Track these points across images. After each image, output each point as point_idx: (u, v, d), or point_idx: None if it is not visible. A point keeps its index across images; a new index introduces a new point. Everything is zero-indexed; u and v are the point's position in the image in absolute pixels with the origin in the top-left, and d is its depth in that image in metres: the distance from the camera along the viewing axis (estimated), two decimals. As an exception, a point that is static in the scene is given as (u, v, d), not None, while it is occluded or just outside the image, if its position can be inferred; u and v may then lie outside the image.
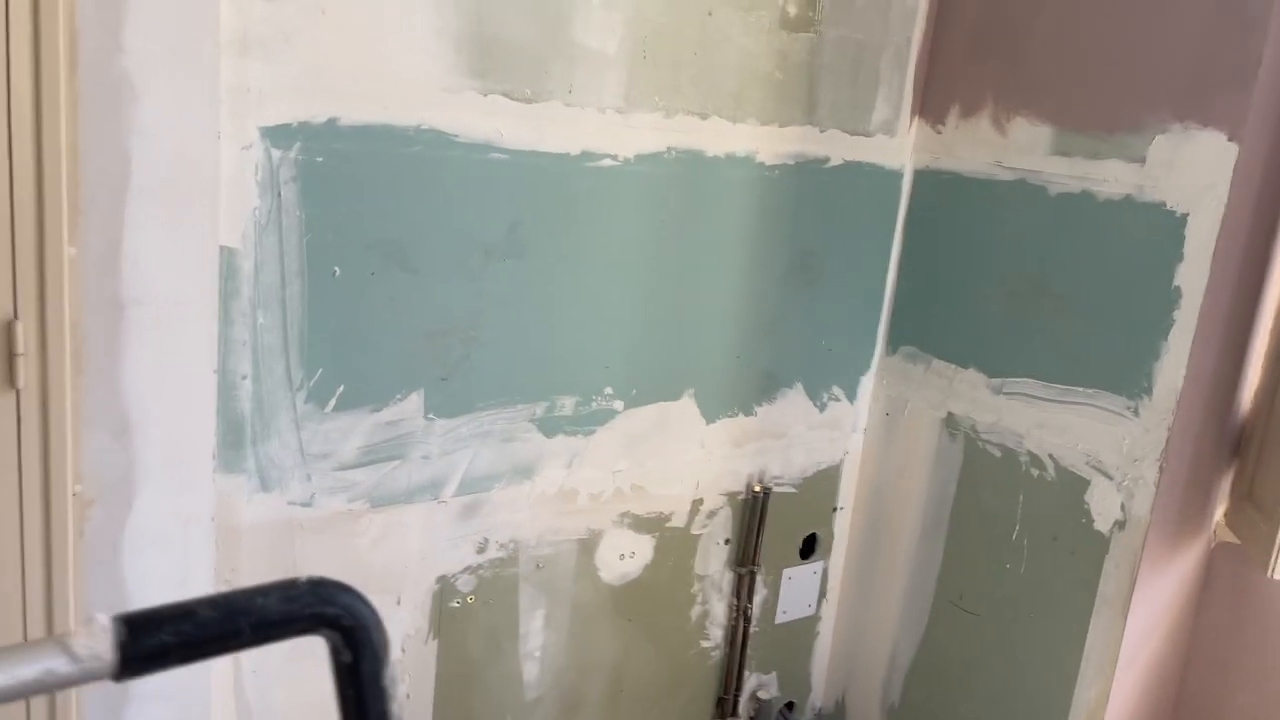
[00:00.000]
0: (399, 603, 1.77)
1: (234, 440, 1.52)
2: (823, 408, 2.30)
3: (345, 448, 1.64)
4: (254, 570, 1.59)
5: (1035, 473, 2.06)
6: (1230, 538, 1.99)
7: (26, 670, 0.49)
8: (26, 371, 1.25)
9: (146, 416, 1.35)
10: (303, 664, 1.68)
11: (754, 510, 2.23)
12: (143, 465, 1.37)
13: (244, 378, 1.51)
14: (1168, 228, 1.81)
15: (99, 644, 0.51)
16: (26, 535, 1.31)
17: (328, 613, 0.58)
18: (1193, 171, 1.77)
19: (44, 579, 1.33)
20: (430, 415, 1.71)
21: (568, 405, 1.88)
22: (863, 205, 2.21)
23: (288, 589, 0.58)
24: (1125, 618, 1.91)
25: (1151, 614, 1.96)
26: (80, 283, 1.27)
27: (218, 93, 1.33)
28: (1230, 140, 1.72)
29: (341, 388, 1.61)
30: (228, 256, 1.45)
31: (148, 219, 1.30)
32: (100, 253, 1.28)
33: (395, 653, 1.78)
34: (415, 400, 1.69)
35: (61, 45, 1.20)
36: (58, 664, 0.49)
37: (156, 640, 0.52)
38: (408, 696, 1.82)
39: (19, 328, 1.23)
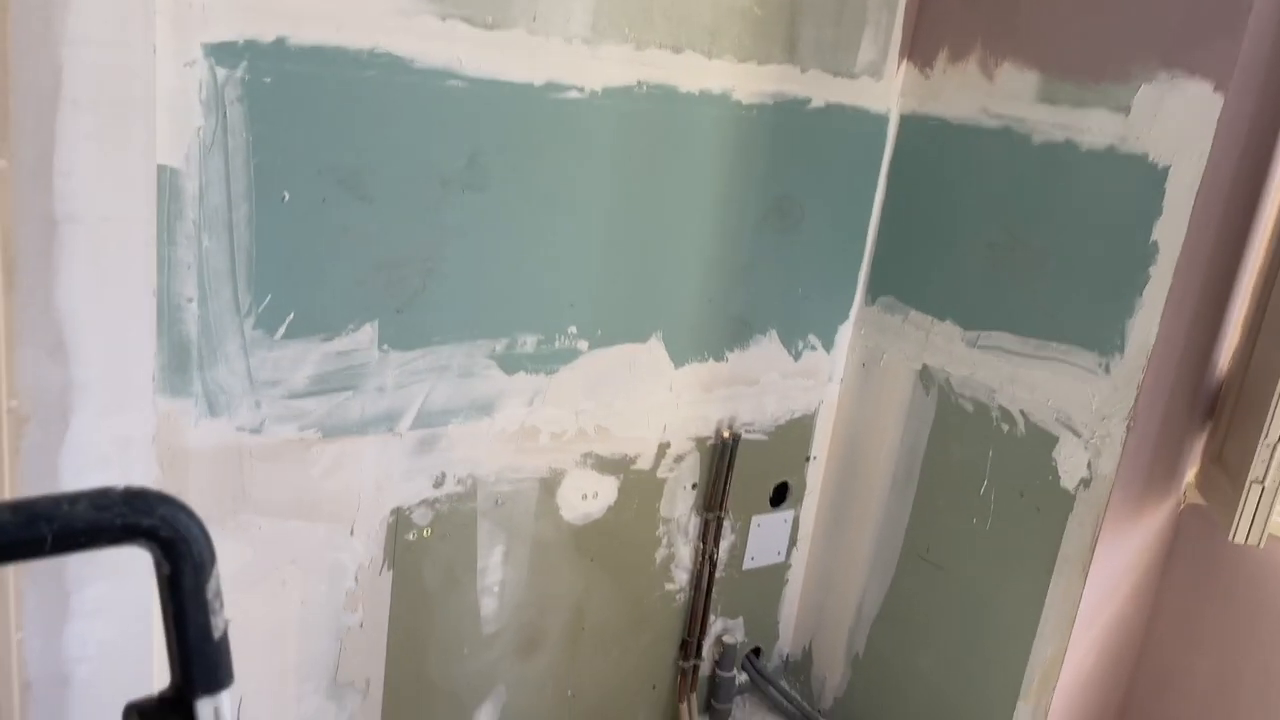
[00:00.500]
0: (352, 533, 1.77)
1: (179, 363, 1.51)
2: (798, 356, 2.27)
3: (296, 376, 1.63)
4: (200, 493, 1.59)
5: (1006, 428, 2.03)
6: (1199, 500, 1.96)
7: None
8: (-44, 284, 1.24)
9: (82, 335, 1.35)
10: (251, 590, 1.69)
11: (723, 456, 2.21)
12: (79, 384, 1.36)
13: (189, 300, 1.50)
14: (1148, 180, 1.76)
15: (-120, 542, 0.50)
16: (-40, 449, 1.31)
17: (144, 524, 0.57)
18: (1176, 123, 1.71)
19: (-21, 493, 1.33)
20: (385, 347, 1.70)
21: (529, 343, 1.86)
22: (845, 149, 2.15)
23: (100, 497, 0.57)
24: (1085, 577, 1.89)
25: (1113, 574, 1.94)
26: (10, 195, 1.26)
27: (152, 4, 1.29)
28: (1216, 91, 1.66)
29: (292, 315, 1.59)
30: (170, 176, 1.42)
31: (81, 133, 1.28)
32: (32, 166, 1.26)
33: (348, 582, 1.79)
34: (369, 331, 1.67)
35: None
36: None
37: (-55, 542, 0.51)
38: (361, 625, 1.83)
39: (-53, 240, 1.22)
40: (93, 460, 1.40)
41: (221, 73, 1.43)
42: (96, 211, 1.31)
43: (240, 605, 1.69)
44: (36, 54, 1.23)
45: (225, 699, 0.61)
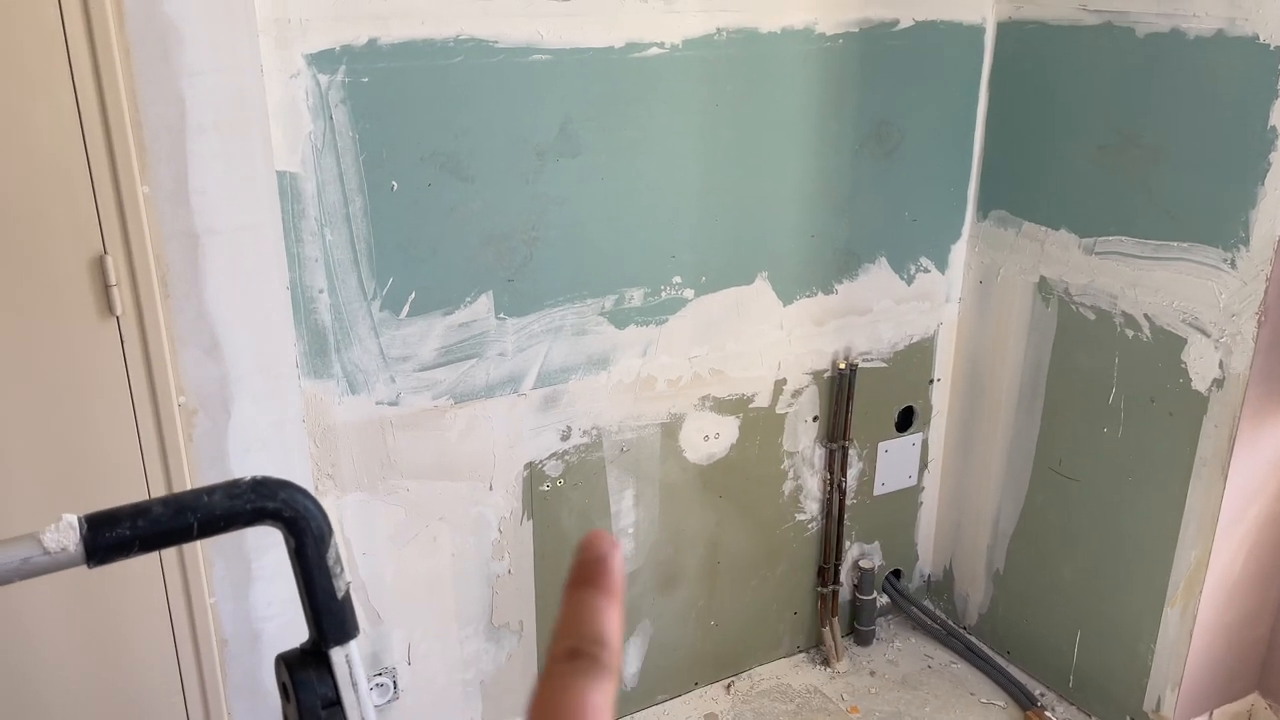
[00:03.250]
0: (491, 488, 1.91)
1: (319, 349, 1.67)
2: (910, 280, 2.26)
3: (423, 350, 1.76)
4: (352, 464, 1.75)
5: (1130, 334, 1.98)
6: (1345, 392, 1.87)
7: (7, 559, 0.60)
8: (122, 299, 1.41)
9: (232, 332, 1.51)
10: (406, 546, 1.85)
11: (842, 387, 2.24)
12: (235, 376, 1.53)
13: (320, 291, 1.64)
14: (1262, 62, 1.67)
15: (66, 538, 0.62)
16: (144, 444, 1.50)
17: (268, 506, 0.68)
18: (1288, -3, 1.61)
19: (164, 483, 1.52)
20: (501, 315, 1.81)
21: (636, 297, 1.94)
22: (941, 67, 2.11)
23: (232, 488, 0.68)
24: (1225, 478, 1.85)
25: (1255, 473, 1.88)
26: (156, 217, 1.41)
27: (255, 28, 1.41)
28: (1329, -43, 1.55)
29: (413, 295, 1.72)
30: (290, 180, 1.56)
31: (208, 153, 1.42)
32: (170, 188, 1.41)
33: (492, 534, 1.94)
34: (485, 302, 1.79)
35: (108, 1, 1.31)
36: (33, 554, 0.61)
37: (115, 534, 0.63)
38: (509, 572, 1.98)
39: (109, 261, 1.39)
40: (253, 442, 1.57)
41: (324, 79, 1.54)
42: (231, 221, 1.46)
43: (399, 560, 1.86)
44: (160, 88, 1.37)
45: (354, 647, 0.72)
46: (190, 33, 1.36)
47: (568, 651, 0.34)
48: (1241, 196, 1.74)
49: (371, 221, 1.65)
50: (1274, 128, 1.67)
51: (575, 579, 0.36)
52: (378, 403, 1.75)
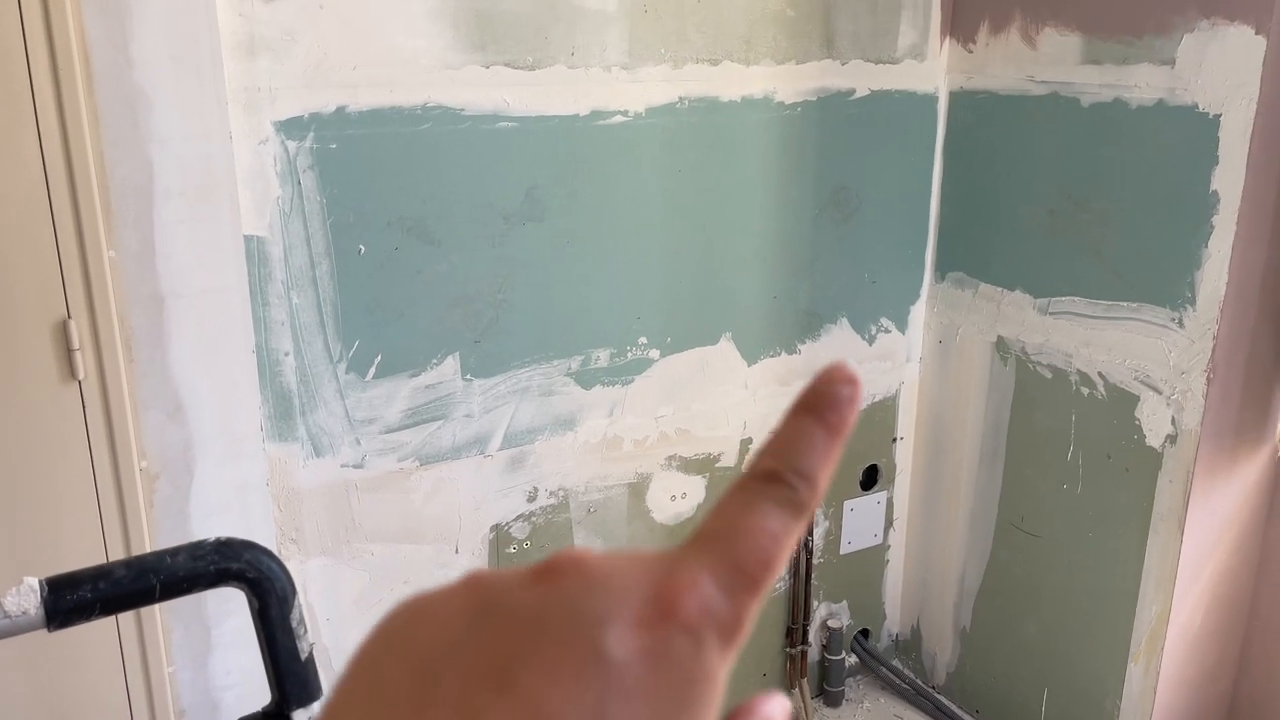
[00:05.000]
0: (456, 551, 1.90)
1: (284, 412, 1.66)
2: (871, 340, 2.30)
3: (389, 412, 1.76)
4: (316, 527, 1.74)
5: (1086, 391, 2.02)
6: (1293, 446, 1.92)
7: (-34, 624, 0.60)
8: (85, 363, 1.41)
9: (196, 396, 1.50)
10: (371, 611, 1.83)
11: (806, 446, 2.26)
12: (199, 440, 1.52)
13: (286, 354, 1.64)
14: (1201, 130, 1.74)
15: (27, 601, 0.62)
16: (104, 508, 1.48)
17: (232, 568, 0.68)
18: (1222, 70, 1.69)
19: (124, 547, 1.50)
20: (468, 376, 1.81)
21: (603, 357, 1.95)
22: (896, 134, 2.18)
23: (195, 549, 0.68)
24: (1182, 533, 1.88)
25: (1211, 528, 1.92)
26: (122, 281, 1.41)
27: (224, 95, 1.44)
28: (1258, 34, 1.63)
29: (379, 357, 1.73)
30: (257, 244, 1.57)
31: (175, 218, 1.43)
32: (136, 252, 1.42)
33: (457, 597, 1.92)
34: (451, 363, 1.79)
35: (77, 66, 1.33)
36: (-8, 618, 0.61)
37: (76, 597, 0.63)
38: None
39: (72, 326, 1.39)
40: (216, 506, 1.55)
41: (292, 145, 1.57)
42: (196, 286, 1.46)
43: (364, 625, 1.83)
44: (129, 153, 1.38)
45: (317, 710, 0.72)
46: (160, 100, 1.38)
47: (766, 473, 0.30)
48: (1187, 258, 1.80)
49: (338, 284, 1.66)
50: (1215, 192, 1.73)
51: (802, 404, 0.32)
52: (343, 465, 1.74)
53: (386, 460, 1.78)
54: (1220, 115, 1.71)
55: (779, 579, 2.26)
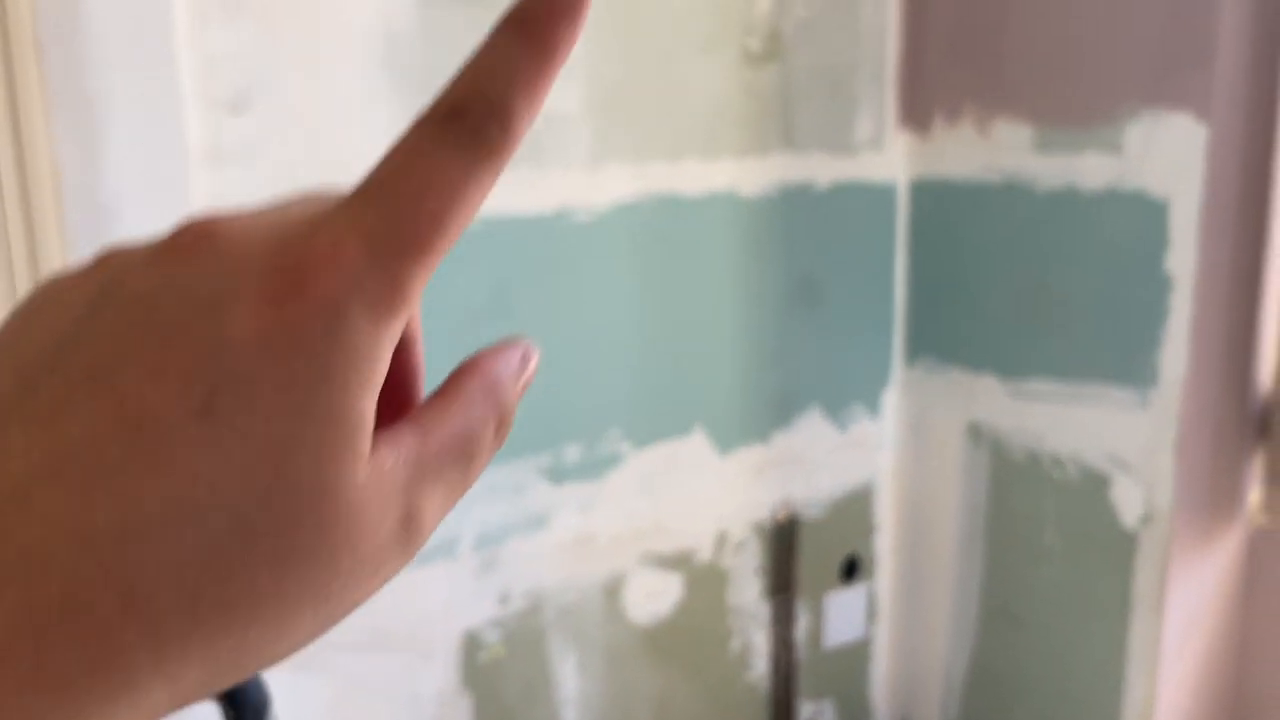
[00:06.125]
0: (426, 660, 1.84)
1: (248, 520, 1.63)
2: (844, 428, 2.30)
3: (356, 516, 1.72)
4: (281, 640, 1.68)
5: (1059, 474, 2.02)
6: (1266, 523, 1.92)
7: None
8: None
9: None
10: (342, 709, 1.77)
11: (783, 538, 2.24)
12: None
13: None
14: (1151, 214, 1.78)
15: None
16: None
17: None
18: (1168, 156, 1.74)
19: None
20: (436, 477, 1.79)
21: (574, 453, 1.94)
22: (859, 222, 2.22)
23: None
24: (1161, 616, 1.86)
25: (1191, 608, 1.90)
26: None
27: (191, 207, 1.44)
28: (1199, 121, 1.69)
29: (346, 460, 1.70)
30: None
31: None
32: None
33: (428, 710, 1.86)
34: (419, 464, 1.77)
35: (46, 182, 1.33)
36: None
37: None
38: (448, 748, 1.89)
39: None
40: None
41: (256, 251, 1.57)
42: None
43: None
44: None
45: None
46: (128, 212, 1.38)
47: (450, 107, 0.25)
48: (1147, 339, 1.82)
49: (304, 388, 1.64)
50: (1170, 274, 1.77)
51: (506, 17, 0.25)
52: (309, 573, 1.70)
53: (354, 566, 1.74)
54: (1169, 200, 1.75)
55: (762, 678, 2.22)
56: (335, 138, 1.60)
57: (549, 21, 0.25)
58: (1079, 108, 1.87)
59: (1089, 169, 1.87)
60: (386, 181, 0.25)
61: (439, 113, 0.25)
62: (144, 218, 1.41)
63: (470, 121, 0.25)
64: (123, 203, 1.39)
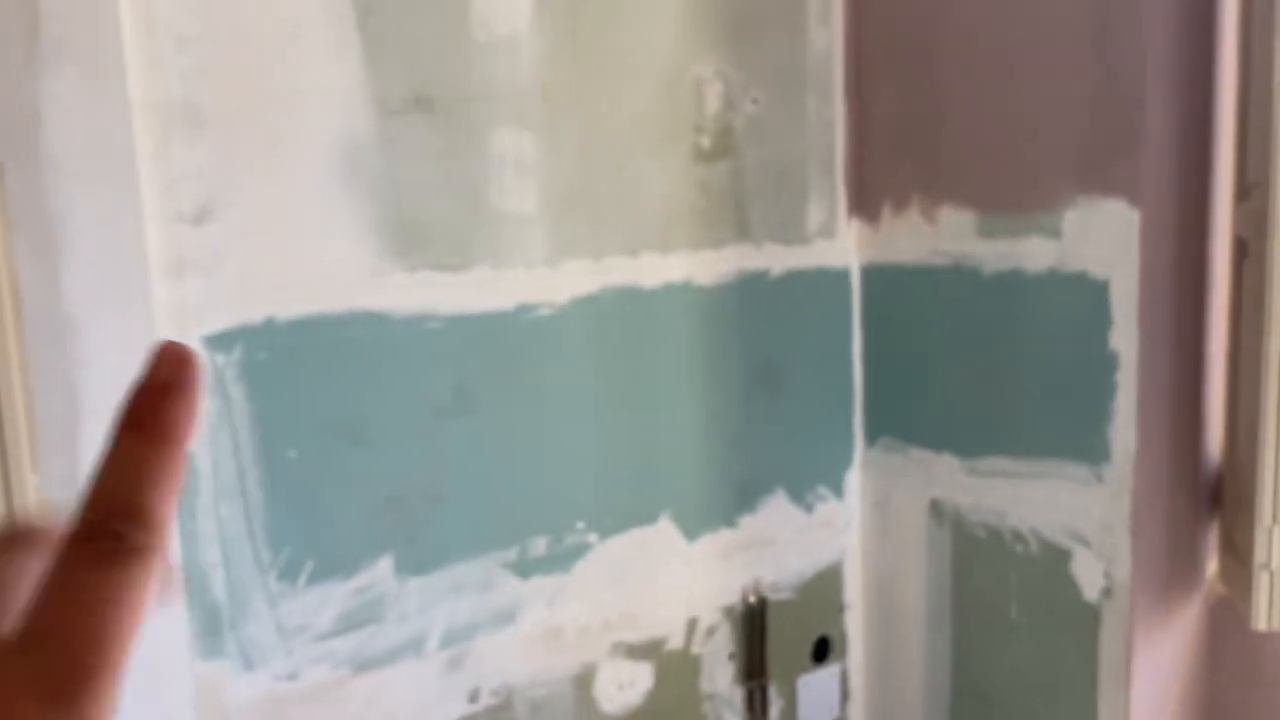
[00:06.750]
0: (397, 762, 1.82)
1: (211, 627, 1.62)
2: (809, 509, 2.32)
3: (321, 619, 1.72)
4: (246, 749, 1.66)
5: (1020, 549, 2.05)
6: (1224, 592, 1.95)
7: None
8: (1, 594, 1.37)
9: (118, 619, 1.46)
10: (306, 835, 1.73)
11: (754, 622, 2.24)
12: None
13: (214, 567, 1.61)
14: (1093, 295, 1.85)
15: None
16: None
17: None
18: (1105, 239, 1.81)
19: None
20: (402, 576, 1.79)
21: (541, 546, 1.94)
22: (815, 307, 2.27)
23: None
24: (1128, 691, 1.87)
25: (1156, 680, 1.92)
26: (47, 504, 1.40)
27: (152, 317, 1.47)
28: (1132, 206, 1.76)
29: (311, 563, 1.70)
30: (185, 459, 1.57)
31: (100, 438, 1.43)
32: (62, 475, 1.41)
33: (399, 812, 1.83)
34: (385, 564, 1.77)
35: (6, 302, 1.35)
36: None
37: None
38: None
39: (-11, 556, 1.36)
40: (139, 735, 1.48)
41: (220, 358, 1.59)
42: (119, 505, 1.45)
43: None
44: (55, 379, 1.39)
45: None
46: (88, 327, 1.41)
47: (85, 530, 0.24)
48: (1097, 415, 1.87)
49: (268, 492, 1.65)
50: (1114, 351, 1.82)
51: (120, 420, 0.24)
52: (274, 678, 1.68)
53: (319, 669, 1.72)
54: (1109, 281, 1.82)
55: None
56: (299, 245, 1.64)
57: (162, 415, 0.24)
58: (1019, 195, 1.95)
59: (1032, 253, 1.94)
60: (46, 625, 0.23)
61: (79, 537, 0.24)
62: (105, 332, 1.43)
63: (109, 539, 0.24)
64: (83, 317, 1.41)
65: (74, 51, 1.39)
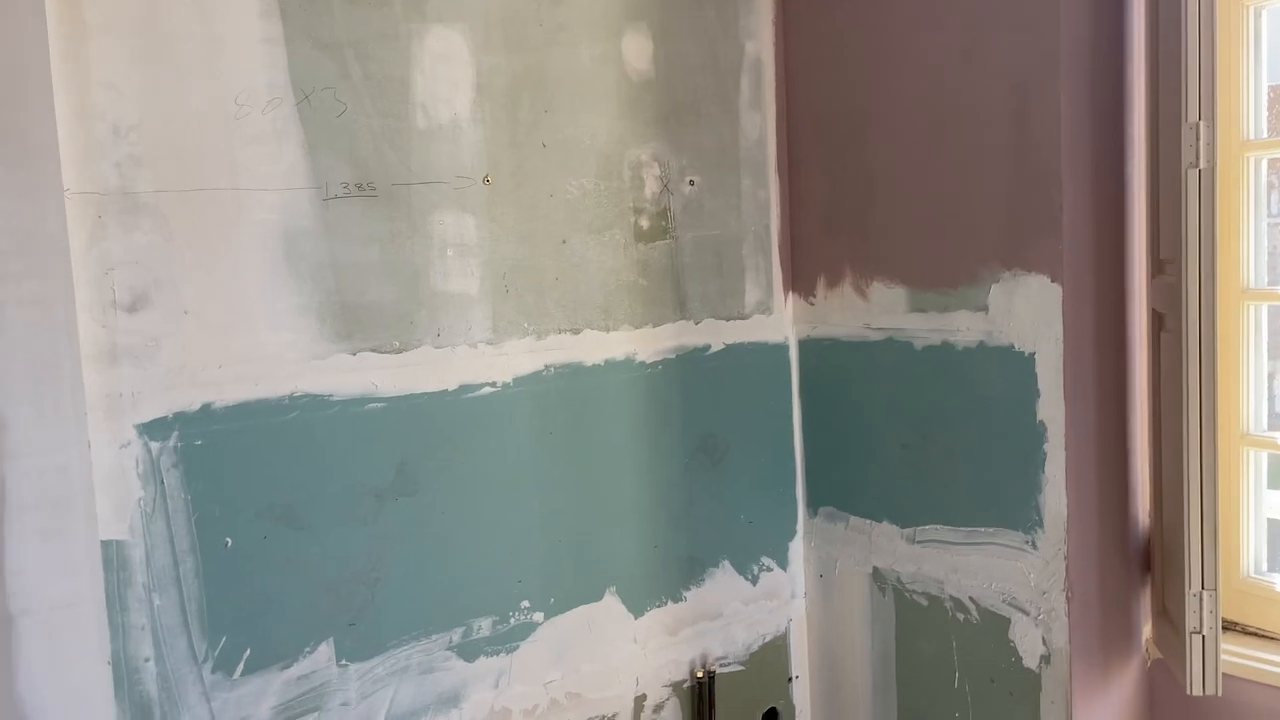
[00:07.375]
0: None
1: (143, 723, 1.57)
2: (755, 580, 2.33)
3: (259, 710, 1.68)
4: None
5: (961, 617, 2.08)
6: (1159, 655, 1.99)
7: None
8: (-80, 697, 1.32)
9: (44, 716, 1.41)
10: None
11: (702, 696, 2.23)
12: (45, 767, 1.42)
13: (147, 660, 1.57)
14: (1020, 367, 1.91)
15: None
16: None
17: None
18: (1029, 313, 1.88)
19: None
20: (343, 661, 1.76)
21: (485, 626, 1.93)
22: (754, 381, 2.31)
23: None
24: (1071, 755, 1.89)
25: (1099, 746, 1.94)
26: (-33, 603, 1.36)
27: (83, 406, 1.45)
28: (1053, 282, 1.84)
29: (248, 651, 1.67)
30: (116, 549, 1.54)
31: (27, 533, 1.40)
32: (-15, 571, 1.37)
33: None
34: (325, 650, 1.74)
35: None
36: None
37: None
38: None
39: (-92, 658, 1.31)
40: (64, 841, 1.43)
41: (155, 446, 1.57)
42: (48, 601, 1.41)
43: None
44: (-19, 472, 1.36)
45: None
46: (16, 418, 1.38)
47: None
48: (1028, 484, 1.92)
49: (204, 580, 1.62)
50: (1042, 421, 1.88)
51: None
52: (209, 775, 1.63)
53: (257, 763, 1.68)
54: (1034, 353, 1.88)
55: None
56: (238, 329, 1.64)
57: None
58: (946, 272, 2.02)
59: (961, 327, 2.00)
60: None
61: None
62: (32, 422, 1.41)
63: None
64: (11, 409, 1.39)
65: (5, 141, 1.39)
